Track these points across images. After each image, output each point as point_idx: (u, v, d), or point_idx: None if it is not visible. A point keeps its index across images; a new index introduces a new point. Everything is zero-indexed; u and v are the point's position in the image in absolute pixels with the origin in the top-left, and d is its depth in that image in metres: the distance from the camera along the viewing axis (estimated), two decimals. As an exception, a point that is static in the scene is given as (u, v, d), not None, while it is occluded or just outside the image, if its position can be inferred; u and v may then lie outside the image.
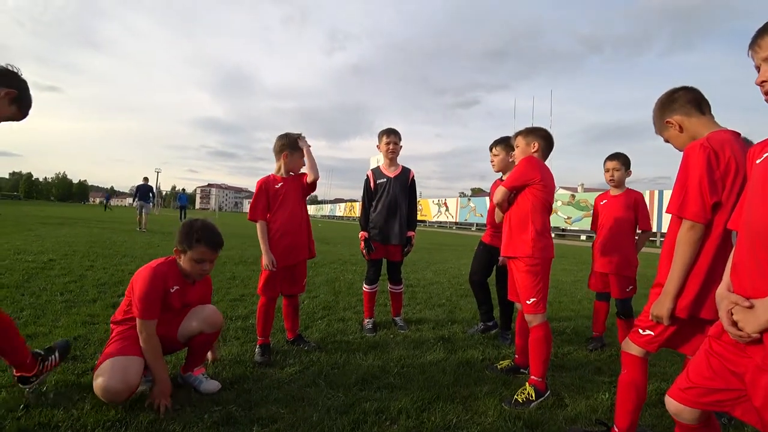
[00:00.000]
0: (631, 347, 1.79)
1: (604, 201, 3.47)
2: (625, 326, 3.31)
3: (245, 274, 5.91)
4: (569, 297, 5.56)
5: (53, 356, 2.12)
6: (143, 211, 14.01)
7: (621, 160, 3.35)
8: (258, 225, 2.88)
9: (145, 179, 15.45)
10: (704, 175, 1.50)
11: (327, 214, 71.61)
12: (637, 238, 3.42)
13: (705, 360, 1.29)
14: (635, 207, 3.31)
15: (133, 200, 14.93)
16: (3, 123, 1.96)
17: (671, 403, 1.38)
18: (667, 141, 1.81)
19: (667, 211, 1.63)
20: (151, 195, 14.92)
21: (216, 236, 2.26)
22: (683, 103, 1.70)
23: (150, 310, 2.08)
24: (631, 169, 3.39)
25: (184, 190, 29.16)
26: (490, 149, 3.45)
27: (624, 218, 3.30)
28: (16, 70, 1.97)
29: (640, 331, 1.73)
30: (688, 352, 1.65)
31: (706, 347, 1.30)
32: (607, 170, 3.40)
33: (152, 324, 2.09)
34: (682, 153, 1.76)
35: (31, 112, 2.01)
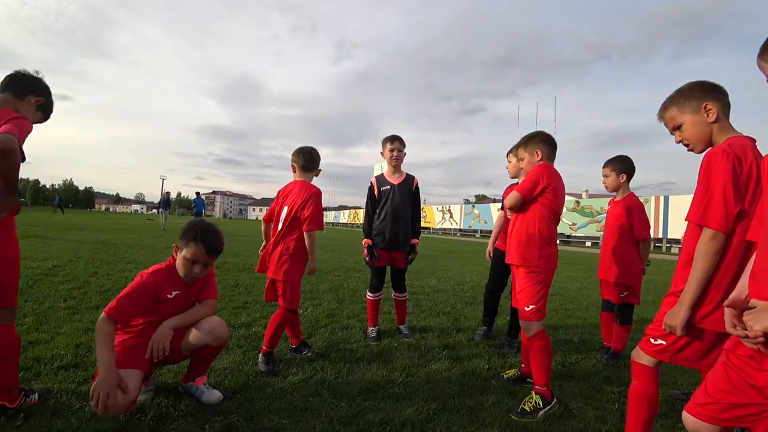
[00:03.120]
0: (641, 357, 1.74)
1: (609, 207, 3.45)
2: (619, 331, 3.27)
3: (249, 281, 5.89)
4: (575, 304, 5.49)
5: (34, 395, 2.02)
6: (164, 216, 21.34)
7: (611, 166, 3.30)
8: (315, 233, 2.85)
9: (167, 193, 22.28)
10: (729, 182, 1.44)
11: (331, 221, 71.64)
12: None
13: (723, 373, 1.24)
14: (629, 214, 3.20)
15: (158, 209, 22.97)
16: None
17: (689, 420, 1.32)
18: (676, 128, 1.71)
19: (686, 219, 1.57)
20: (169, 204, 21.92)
21: (216, 240, 2.19)
22: (726, 100, 1.64)
23: (122, 314, 1.98)
24: (624, 174, 3.26)
25: (198, 193, 22.19)
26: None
27: (623, 224, 3.21)
28: (41, 77, 2.04)
29: (652, 340, 1.68)
30: (703, 368, 1.60)
31: (723, 360, 1.26)
32: (603, 176, 3.40)
33: (113, 326, 1.95)
34: (688, 150, 1.72)
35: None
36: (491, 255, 3.78)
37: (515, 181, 3.68)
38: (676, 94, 1.70)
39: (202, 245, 2.14)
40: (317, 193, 2.91)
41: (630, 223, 3.19)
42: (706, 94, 1.62)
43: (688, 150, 1.72)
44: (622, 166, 3.28)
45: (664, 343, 1.63)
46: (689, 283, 1.51)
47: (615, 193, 3.41)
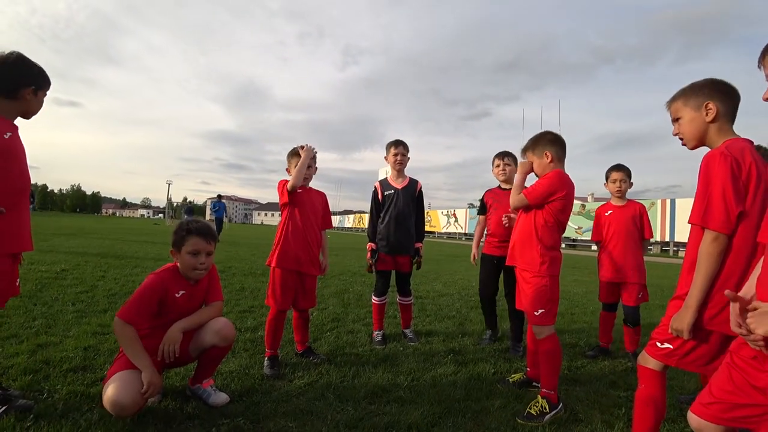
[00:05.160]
0: (648, 361, 1.73)
1: (609, 212, 3.49)
2: (632, 333, 3.37)
3: (254, 285, 5.91)
4: (581, 308, 5.48)
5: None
6: None
7: (626, 172, 3.44)
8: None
9: (190, 202, 22.66)
10: (728, 183, 1.45)
11: (336, 225, 71.71)
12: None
13: (727, 374, 1.25)
14: (640, 217, 3.39)
15: (163, 214, 26.97)
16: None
17: (693, 419, 1.33)
18: (676, 119, 1.70)
19: (689, 222, 1.57)
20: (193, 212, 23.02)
21: (206, 226, 2.29)
22: (733, 103, 1.61)
23: (132, 312, 2.04)
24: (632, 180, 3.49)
25: (220, 196, 17.87)
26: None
27: (633, 228, 3.36)
28: (17, 58, 1.93)
29: (658, 344, 1.67)
30: (710, 372, 1.59)
31: (727, 361, 1.27)
32: (614, 181, 3.45)
33: (129, 329, 2.02)
34: (681, 144, 1.72)
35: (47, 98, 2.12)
36: (475, 259, 3.83)
37: (495, 185, 3.79)
38: (688, 88, 1.68)
39: (197, 234, 2.22)
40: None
41: (640, 224, 3.38)
42: (714, 93, 1.61)
43: (682, 144, 1.72)
44: (630, 172, 3.45)
45: (671, 346, 1.63)
46: (693, 286, 1.51)
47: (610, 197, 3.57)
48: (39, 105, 2.06)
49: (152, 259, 8.29)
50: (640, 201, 3.58)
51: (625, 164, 3.48)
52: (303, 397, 2.38)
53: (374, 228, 3.70)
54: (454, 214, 37.17)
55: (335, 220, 73.73)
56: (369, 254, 3.63)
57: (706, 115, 1.61)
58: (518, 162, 3.20)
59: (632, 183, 3.48)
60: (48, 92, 2.08)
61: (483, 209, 3.83)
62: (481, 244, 3.84)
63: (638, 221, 3.37)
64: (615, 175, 3.43)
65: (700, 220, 1.51)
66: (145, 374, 1.94)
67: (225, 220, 17.69)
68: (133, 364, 1.99)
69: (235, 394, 2.34)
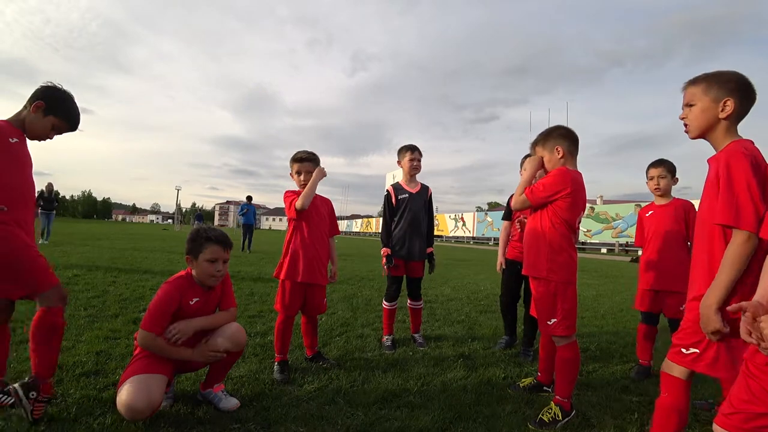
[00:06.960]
0: (673, 369, 1.66)
1: (650, 212, 3.18)
2: None
3: (263, 290, 5.93)
4: (592, 312, 5.42)
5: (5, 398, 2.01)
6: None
7: (666, 167, 3.09)
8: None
9: (199, 208, 22.20)
10: (753, 182, 1.41)
11: (343, 229, 71.79)
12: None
13: (743, 383, 1.22)
14: (686, 217, 3.01)
15: (193, 223, 28.33)
16: (49, 139, 2.17)
17: (717, 431, 1.29)
18: (689, 104, 1.64)
19: (716, 222, 1.50)
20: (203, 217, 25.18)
21: (224, 234, 2.31)
22: (749, 105, 1.57)
23: (155, 323, 2.08)
24: (675, 176, 3.11)
25: (250, 198, 15.52)
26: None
27: (674, 230, 3.01)
28: (48, 84, 2.12)
29: (683, 350, 1.61)
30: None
31: (743, 369, 1.24)
32: (651, 178, 3.13)
33: (153, 337, 2.07)
34: (684, 131, 1.68)
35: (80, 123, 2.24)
36: (503, 267, 3.67)
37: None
38: (712, 76, 1.61)
39: (216, 242, 2.24)
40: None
41: (686, 226, 3.01)
42: (737, 91, 1.55)
43: (685, 131, 1.68)
44: (673, 167, 3.11)
45: (698, 351, 1.56)
46: (717, 287, 1.45)
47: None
48: (41, 126, 2.08)
49: (162, 264, 8.35)
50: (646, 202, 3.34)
51: (667, 159, 3.13)
52: (313, 401, 2.38)
53: (389, 232, 3.67)
54: (462, 218, 37.09)
55: (343, 225, 73.83)
56: (384, 260, 3.58)
57: (722, 110, 1.56)
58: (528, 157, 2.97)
59: (677, 179, 3.10)
60: (61, 127, 2.15)
61: (508, 214, 3.66)
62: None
63: (683, 220, 3.00)
64: (651, 172, 3.12)
65: (733, 221, 1.44)
66: (196, 359, 2.18)
67: (233, 225, 17.25)
68: (148, 369, 2.01)
69: (246, 398, 2.35)
